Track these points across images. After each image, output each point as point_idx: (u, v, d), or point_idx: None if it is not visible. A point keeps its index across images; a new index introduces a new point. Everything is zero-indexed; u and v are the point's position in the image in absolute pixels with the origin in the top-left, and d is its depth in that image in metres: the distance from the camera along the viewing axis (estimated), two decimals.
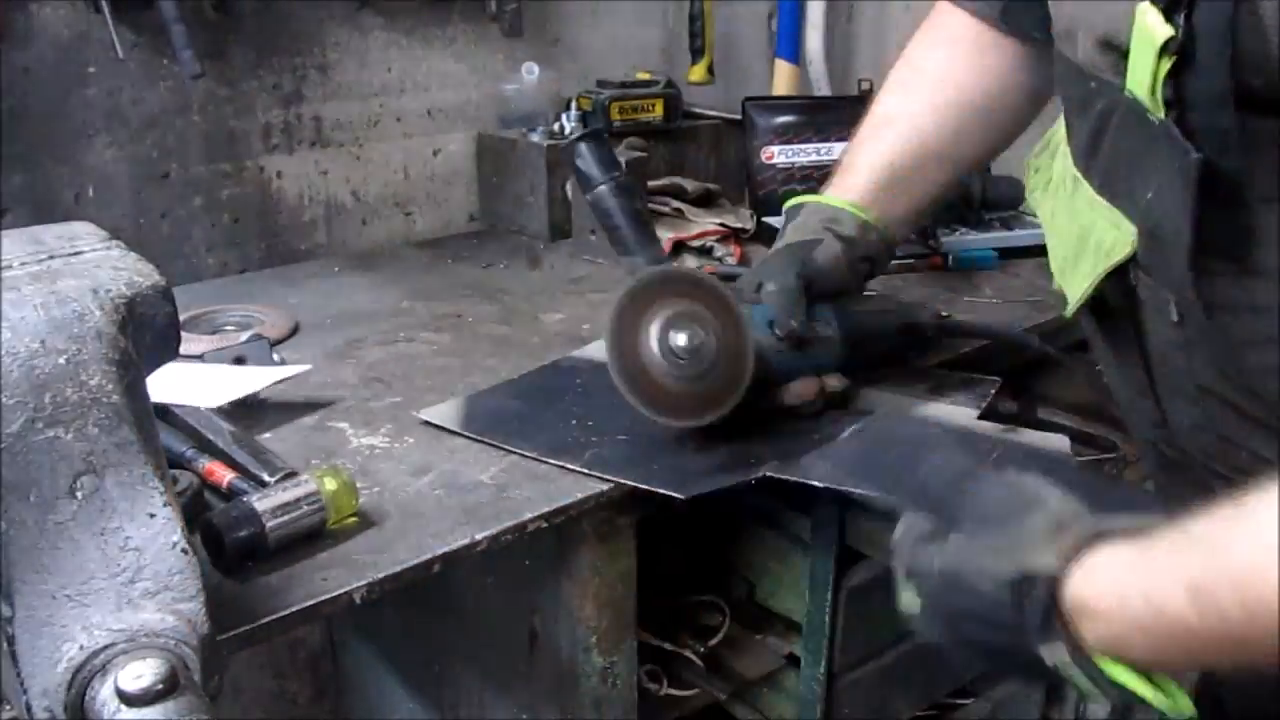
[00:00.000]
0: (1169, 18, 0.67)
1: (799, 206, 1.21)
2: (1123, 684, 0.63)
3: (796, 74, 2.19)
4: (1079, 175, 0.85)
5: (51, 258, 0.69)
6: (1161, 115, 0.70)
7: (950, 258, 1.65)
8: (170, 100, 1.58)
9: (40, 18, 1.44)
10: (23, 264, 0.68)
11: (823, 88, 2.23)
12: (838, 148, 1.87)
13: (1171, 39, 0.66)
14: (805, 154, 1.86)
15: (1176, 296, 0.77)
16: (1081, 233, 0.85)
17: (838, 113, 1.90)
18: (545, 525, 0.96)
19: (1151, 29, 0.67)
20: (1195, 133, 0.68)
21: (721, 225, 1.68)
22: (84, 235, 0.73)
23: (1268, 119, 0.62)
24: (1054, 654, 0.64)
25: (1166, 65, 0.68)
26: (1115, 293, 0.85)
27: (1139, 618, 0.61)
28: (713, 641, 1.40)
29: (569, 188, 1.74)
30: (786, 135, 1.86)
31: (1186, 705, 0.64)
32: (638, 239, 1.20)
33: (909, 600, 0.74)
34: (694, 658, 1.38)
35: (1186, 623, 0.59)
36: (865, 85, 2.06)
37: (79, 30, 1.47)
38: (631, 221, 1.19)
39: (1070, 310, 0.90)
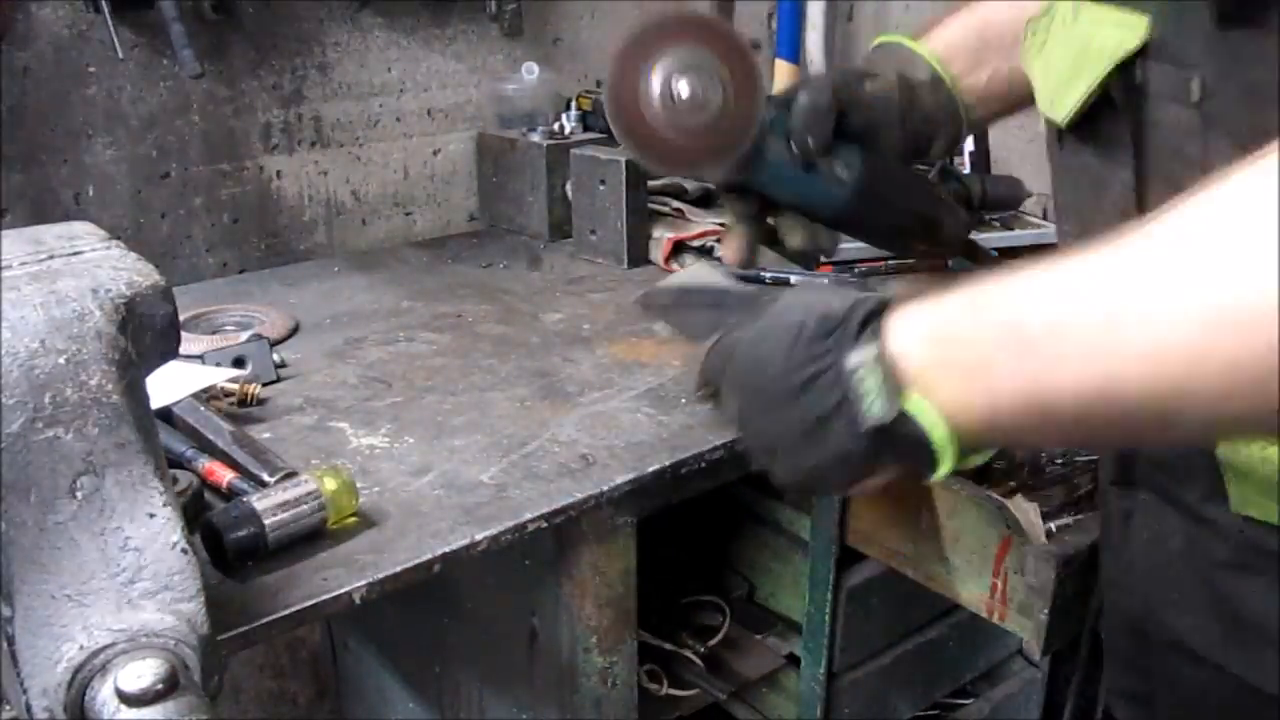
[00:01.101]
0: None
1: (881, 45, 1.13)
2: (912, 411, 0.66)
3: (796, 74, 2.19)
4: (1075, 4, 0.84)
5: (51, 258, 0.69)
6: None
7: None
8: (170, 100, 1.58)
9: (40, 17, 1.44)
10: (23, 264, 0.68)
11: None
12: None
13: None
14: None
15: (1200, 69, 0.74)
16: (1081, 47, 0.83)
17: None
18: (545, 525, 0.96)
19: None
20: None
21: (721, 225, 1.68)
22: (84, 235, 0.73)
23: None
24: (861, 356, 0.67)
25: None
26: (1120, 90, 0.82)
27: (962, 333, 0.65)
28: (713, 641, 1.40)
29: (569, 188, 1.74)
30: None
31: (949, 464, 0.67)
32: None
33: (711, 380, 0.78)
34: (694, 658, 1.38)
35: (1024, 326, 0.62)
36: None
37: (79, 30, 1.47)
38: None
39: (1065, 119, 0.87)
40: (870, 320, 0.68)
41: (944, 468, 0.67)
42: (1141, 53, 0.78)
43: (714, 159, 0.98)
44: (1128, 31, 0.79)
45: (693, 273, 1.09)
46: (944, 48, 1.08)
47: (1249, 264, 0.53)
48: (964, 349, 0.65)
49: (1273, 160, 0.54)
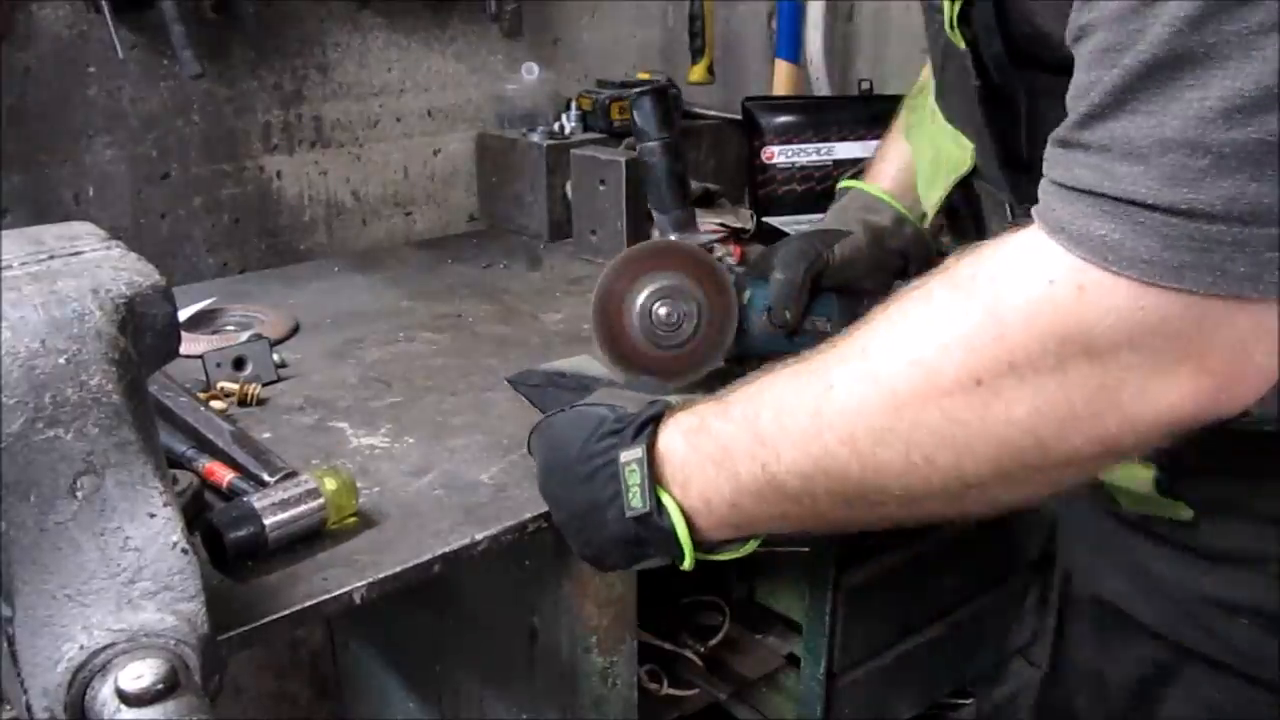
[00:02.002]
0: None
1: (846, 190, 1.27)
2: (664, 502, 0.78)
3: (796, 74, 2.19)
4: (934, 106, 0.95)
5: (51, 258, 0.69)
6: (962, 46, 0.78)
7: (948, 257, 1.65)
8: (170, 100, 1.58)
9: (40, 18, 1.44)
10: (23, 264, 0.68)
11: (823, 88, 2.23)
12: (838, 148, 1.87)
13: None
14: (805, 154, 1.86)
15: (1007, 197, 0.88)
16: (935, 154, 0.95)
17: (838, 113, 1.90)
18: (545, 525, 0.96)
19: None
20: (986, 61, 0.76)
21: (721, 225, 1.68)
22: (84, 235, 0.73)
23: (1035, 48, 0.68)
24: (630, 454, 0.78)
25: (958, 4, 0.76)
26: (962, 201, 0.96)
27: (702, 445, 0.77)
28: (713, 641, 1.40)
29: (569, 188, 1.74)
30: (786, 135, 1.86)
31: (689, 559, 0.79)
32: (672, 199, 1.27)
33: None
34: (694, 658, 1.38)
35: (735, 438, 0.75)
36: (865, 85, 2.06)
37: (79, 30, 1.47)
38: (671, 181, 1.27)
39: (929, 219, 1.02)
40: (648, 424, 0.80)
41: (688, 559, 0.79)
42: (975, 171, 0.90)
43: (685, 373, 1.10)
44: (963, 153, 0.90)
45: (573, 362, 1.22)
46: (894, 186, 1.21)
47: (908, 363, 0.66)
48: (712, 441, 0.77)
49: (926, 289, 0.69)
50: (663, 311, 1.08)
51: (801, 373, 0.74)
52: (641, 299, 1.09)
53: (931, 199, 1.00)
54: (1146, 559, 0.87)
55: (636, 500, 0.78)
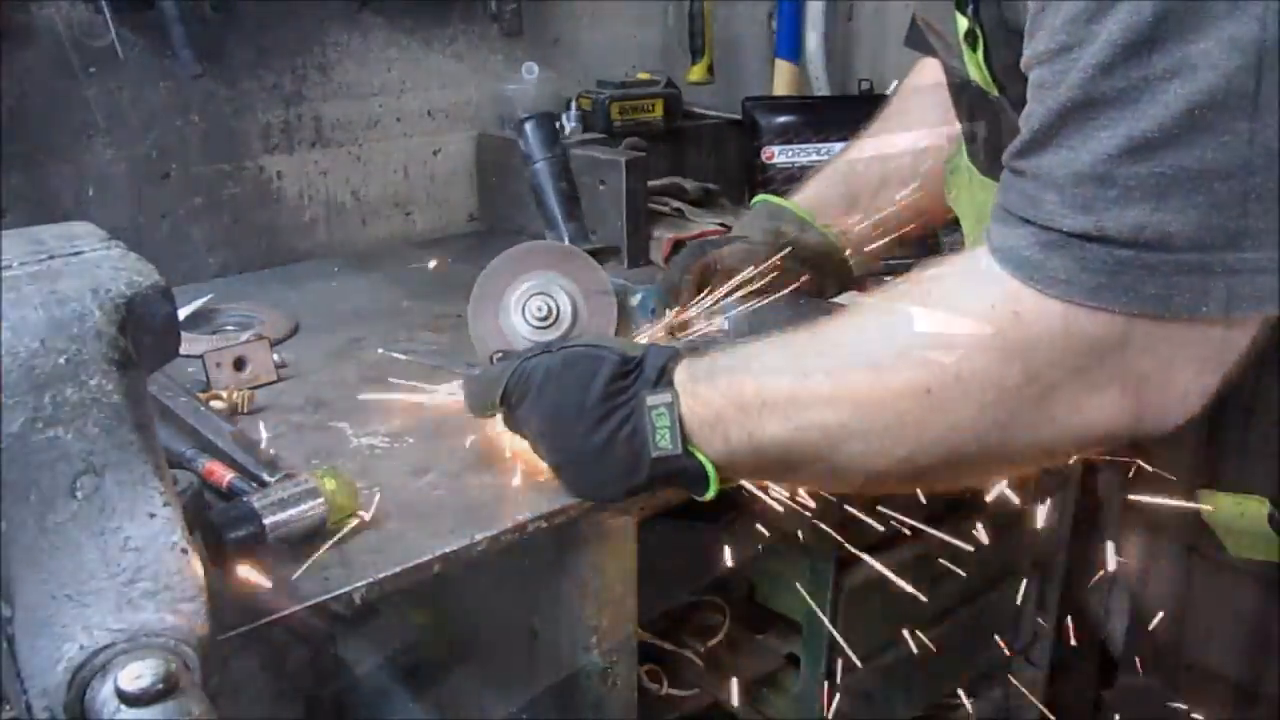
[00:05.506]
0: (964, 11, 0.80)
1: (756, 203, 1.30)
2: (691, 449, 0.85)
3: (796, 74, 2.19)
4: (969, 165, 0.98)
5: (51, 258, 0.69)
6: (995, 93, 0.82)
7: None
8: (170, 100, 1.58)
9: (40, 18, 1.44)
10: (23, 264, 0.68)
11: (823, 88, 2.23)
12: (838, 148, 1.86)
13: (969, 30, 0.79)
14: (805, 154, 1.86)
15: None
16: (979, 213, 0.96)
17: (838, 113, 1.90)
18: (545, 525, 0.96)
19: (959, 24, 0.81)
20: (1016, 103, 0.79)
21: (721, 225, 1.68)
22: (84, 235, 0.73)
23: None
24: (659, 399, 0.84)
25: (979, 51, 0.80)
26: None
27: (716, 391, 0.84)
28: (713, 641, 1.40)
29: None
30: (786, 135, 1.86)
31: (715, 489, 0.87)
32: (563, 214, 1.30)
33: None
34: (694, 658, 1.38)
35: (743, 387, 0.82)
36: (865, 85, 2.06)
37: (79, 30, 1.47)
38: (559, 199, 1.30)
39: None
40: (664, 370, 0.86)
41: (712, 490, 0.87)
42: None
43: None
44: None
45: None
46: (814, 199, 1.25)
47: (869, 368, 0.74)
48: (704, 408, 0.84)
49: (890, 300, 0.77)
50: (535, 306, 1.14)
51: (783, 351, 0.82)
52: (519, 294, 1.14)
53: None
54: (1254, 614, 0.87)
55: (666, 442, 0.84)
